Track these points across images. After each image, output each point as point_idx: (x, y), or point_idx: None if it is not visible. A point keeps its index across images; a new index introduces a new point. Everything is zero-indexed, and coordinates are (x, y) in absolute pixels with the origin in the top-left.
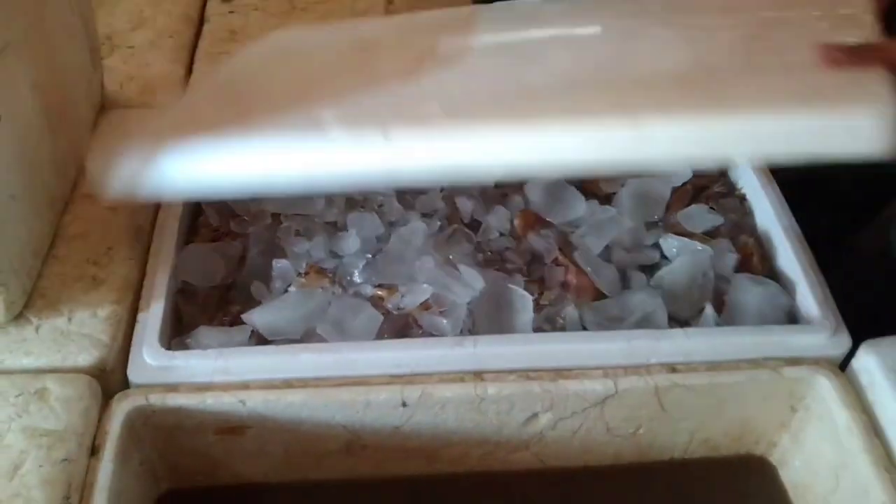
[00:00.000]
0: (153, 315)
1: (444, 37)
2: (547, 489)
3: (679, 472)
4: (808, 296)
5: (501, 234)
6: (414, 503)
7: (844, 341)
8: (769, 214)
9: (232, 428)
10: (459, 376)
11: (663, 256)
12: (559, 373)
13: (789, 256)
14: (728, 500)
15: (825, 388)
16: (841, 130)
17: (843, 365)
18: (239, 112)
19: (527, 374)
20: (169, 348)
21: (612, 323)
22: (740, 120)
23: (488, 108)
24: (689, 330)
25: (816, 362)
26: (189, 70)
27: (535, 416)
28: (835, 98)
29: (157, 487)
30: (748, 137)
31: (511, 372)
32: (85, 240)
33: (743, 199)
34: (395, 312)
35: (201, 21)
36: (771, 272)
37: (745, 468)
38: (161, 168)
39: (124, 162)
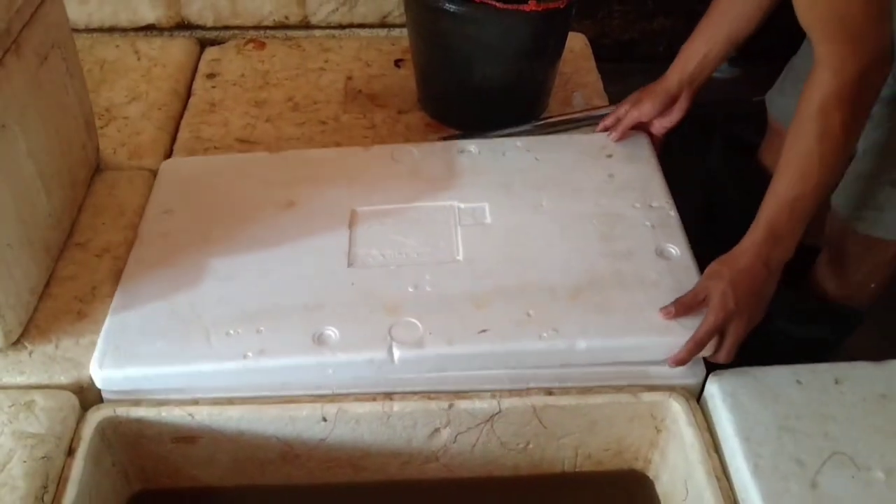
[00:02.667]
0: None
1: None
2: (456, 497)
3: (569, 483)
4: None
5: None
6: None
7: (698, 371)
8: None
9: (185, 437)
10: (372, 396)
11: None
12: (455, 394)
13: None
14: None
15: (677, 411)
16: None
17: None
18: None
19: (428, 395)
20: None
21: None
22: None
23: None
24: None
25: (672, 389)
26: (174, 137)
27: (437, 430)
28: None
29: (129, 487)
30: None
31: (415, 393)
32: (74, 281)
33: None
34: None
35: (188, 95)
36: None
37: (626, 482)
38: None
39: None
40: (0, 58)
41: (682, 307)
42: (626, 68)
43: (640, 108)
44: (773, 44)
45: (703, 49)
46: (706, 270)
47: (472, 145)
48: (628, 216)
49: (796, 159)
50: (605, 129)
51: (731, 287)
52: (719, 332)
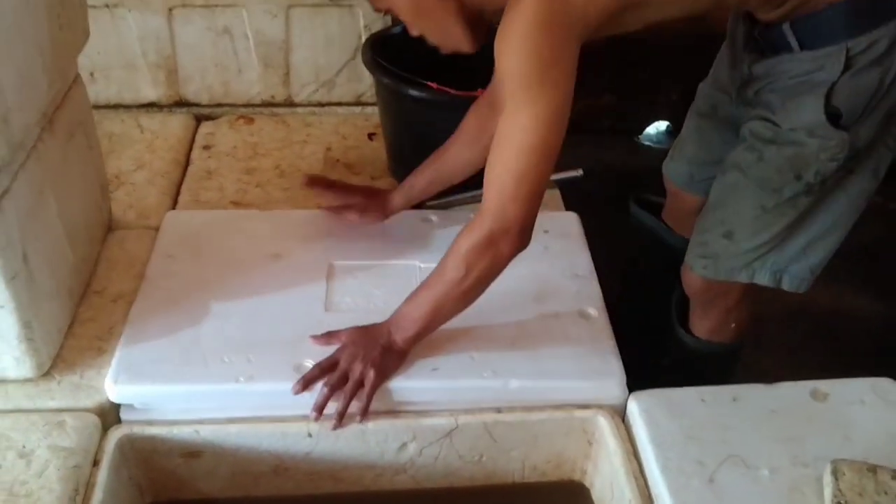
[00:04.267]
0: None
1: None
2: None
3: (519, 492)
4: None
5: None
6: None
7: (622, 393)
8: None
9: (191, 452)
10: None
11: None
12: (418, 413)
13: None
14: None
15: (604, 425)
16: None
17: None
18: None
19: (395, 413)
20: None
21: None
22: None
23: None
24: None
25: (601, 407)
26: (176, 200)
27: (404, 444)
28: None
29: (142, 499)
30: None
31: (386, 411)
32: (94, 322)
33: None
34: None
35: (187, 164)
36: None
37: (567, 491)
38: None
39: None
40: (38, 135)
41: (324, 337)
42: (575, 140)
43: (365, 216)
44: None
45: (422, 184)
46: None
47: (433, 215)
48: (557, 282)
49: (434, 283)
50: None
51: (357, 334)
52: (333, 365)
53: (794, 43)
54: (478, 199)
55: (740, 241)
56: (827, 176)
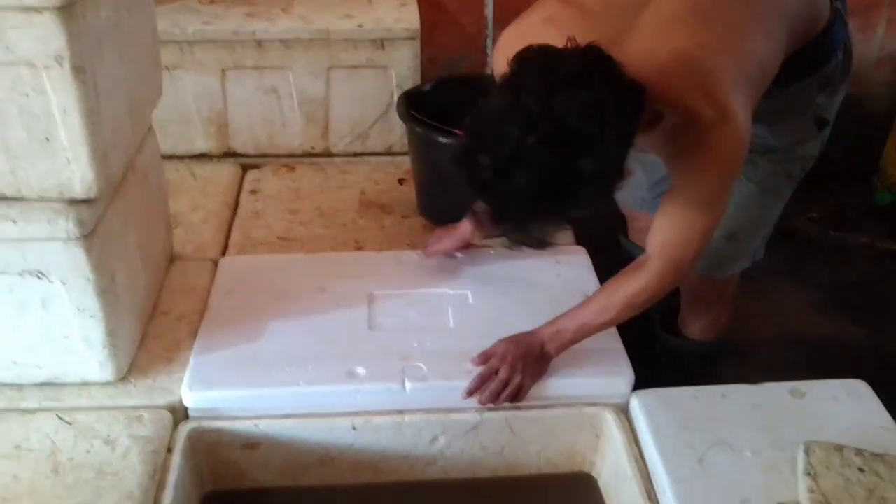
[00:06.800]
0: None
1: None
2: (451, 494)
3: (536, 482)
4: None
5: None
6: None
7: (626, 392)
8: None
9: (250, 444)
10: (389, 412)
11: None
12: (448, 410)
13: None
14: (567, 501)
15: (611, 420)
16: None
17: None
18: None
19: (428, 411)
20: None
21: None
22: None
23: None
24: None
25: (607, 405)
26: (228, 236)
27: (435, 437)
28: None
29: (203, 487)
30: None
31: (420, 410)
32: (162, 338)
33: None
34: None
35: (237, 206)
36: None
37: (577, 481)
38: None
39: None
40: (123, 175)
41: (480, 358)
42: None
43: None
44: None
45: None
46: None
47: (458, 253)
48: (570, 301)
49: (604, 301)
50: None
51: (513, 346)
52: (495, 372)
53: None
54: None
55: (744, 240)
56: (808, 169)
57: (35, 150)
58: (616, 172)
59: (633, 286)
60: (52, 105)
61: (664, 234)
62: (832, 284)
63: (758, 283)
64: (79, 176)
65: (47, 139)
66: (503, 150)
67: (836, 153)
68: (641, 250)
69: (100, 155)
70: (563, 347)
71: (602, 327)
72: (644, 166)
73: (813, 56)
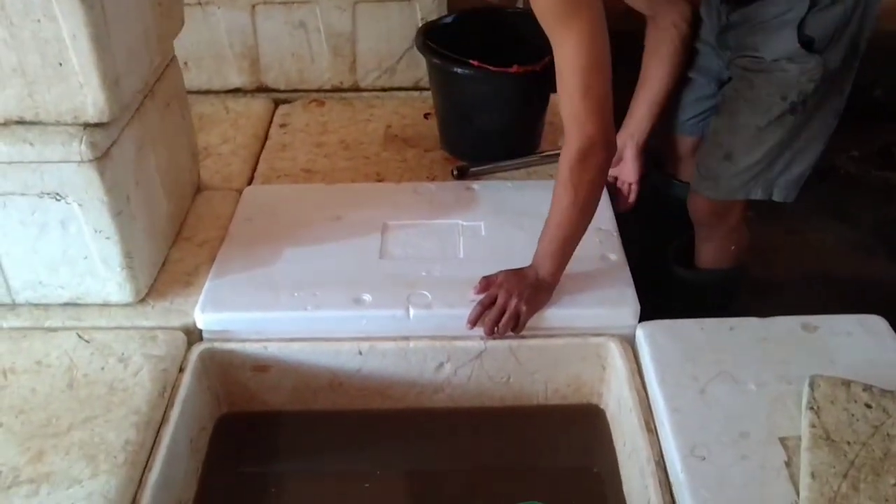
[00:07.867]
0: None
1: None
2: (459, 421)
3: (544, 412)
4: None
5: None
6: (375, 430)
7: (632, 322)
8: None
9: (260, 366)
10: (394, 338)
11: None
12: (452, 337)
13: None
14: (574, 432)
15: (615, 352)
16: None
17: None
18: None
19: (433, 337)
20: None
21: None
22: None
23: None
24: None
25: (612, 335)
26: (255, 168)
27: (441, 364)
28: None
29: (219, 409)
30: None
31: (424, 336)
32: (182, 262)
33: None
34: None
35: (266, 139)
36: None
37: (585, 412)
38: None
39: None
40: (141, 101)
41: (481, 285)
42: None
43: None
44: None
45: (640, 110)
46: None
47: (475, 184)
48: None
49: (556, 204)
50: None
51: (511, 275)
52: (493, 299)
53: None
54: (518, 167)
55: (738, 161)
56: (807, 95)
57: (49, 74)
58: None
59: (563, 169)
60: (63, 30)
61: (562, 109)
62: (873, 223)
63: (792, 219)
64: (91, 100)
65: (60, 64)
66: None
67: (877, 91)
68: (681, 183)
69: (111, 80)
70: (555, 269)
71: (574, 227)
72: (684, 86)
73: None
